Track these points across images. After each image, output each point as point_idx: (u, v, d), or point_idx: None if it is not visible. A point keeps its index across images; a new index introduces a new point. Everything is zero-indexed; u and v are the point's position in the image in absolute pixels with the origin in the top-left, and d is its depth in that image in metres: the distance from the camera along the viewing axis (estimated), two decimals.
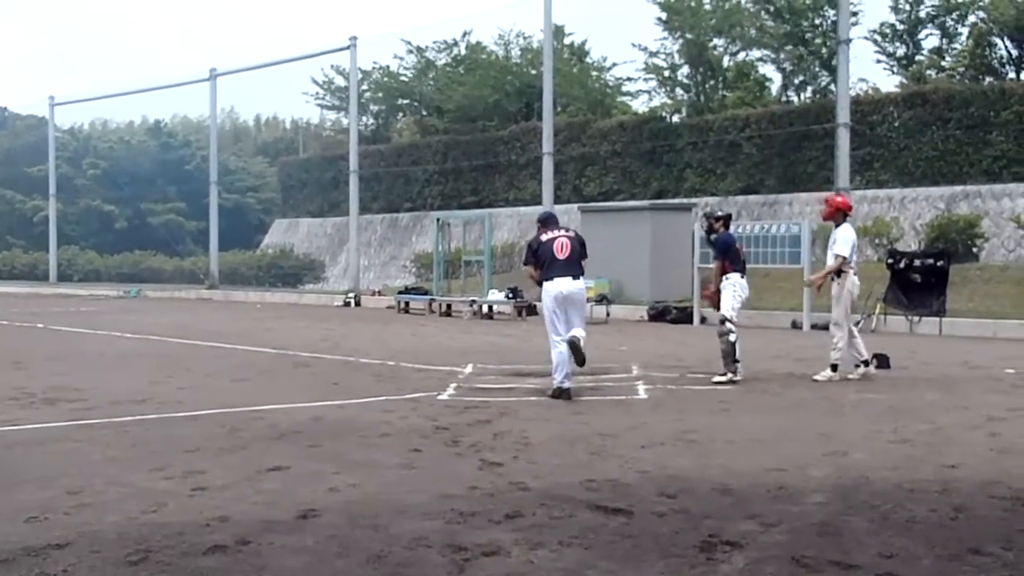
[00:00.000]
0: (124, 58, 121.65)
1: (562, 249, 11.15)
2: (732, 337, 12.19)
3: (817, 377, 12.45)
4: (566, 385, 10.93)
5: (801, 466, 7.39)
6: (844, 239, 12.72)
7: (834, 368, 12.50)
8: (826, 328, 20.23)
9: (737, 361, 12.23)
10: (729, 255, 12.67)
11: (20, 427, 9.03)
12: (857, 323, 14.45)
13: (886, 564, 5.08)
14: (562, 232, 11.44)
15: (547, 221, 11.82)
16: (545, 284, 11.17)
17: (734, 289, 12.52)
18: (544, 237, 11.36)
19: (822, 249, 27.90)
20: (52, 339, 19.31)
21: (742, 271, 12.70)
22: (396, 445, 8.15)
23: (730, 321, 12.27)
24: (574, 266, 11.16)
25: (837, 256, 12.63)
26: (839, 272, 12.68)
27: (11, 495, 6.46)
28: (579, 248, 11.28)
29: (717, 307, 12.72)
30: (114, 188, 61.23)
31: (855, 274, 12.87)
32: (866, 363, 12.74)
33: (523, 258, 11.98)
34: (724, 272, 12.58)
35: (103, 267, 53.18)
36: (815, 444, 8.29)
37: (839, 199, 13.49)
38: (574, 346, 10.90)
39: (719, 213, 13.53)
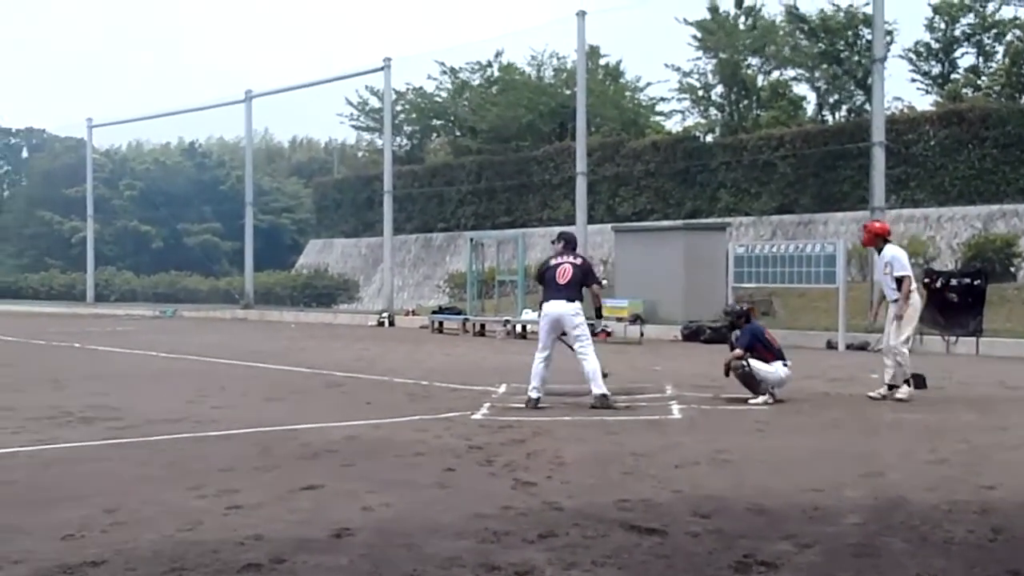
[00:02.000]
0: (160, 80, 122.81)
1: (563, 275, 11.87)
2: (745, 366, 12.16)
3: (899, 395, 12.34)
4: (535, 396, 11.64)
5: (837, 486, 7.33)
6: (901, 261, 12.70)
7: (908, 383, 12.48)
8: (862, 348, 20.21)
9: (762, 382, 12.18)
10: (761, 344, 12.39)
11: (57, 445, 9.09)
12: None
13: None
14: (569, 259, 12.05)
15: (566, 244, 12.40)
16: (543, 304, 12.09)
17: (775, 369, 12.27)
18: (553, 262, 12.08)
19: (858, 269, 27.90)
20: (89, 358, 19.46)
21: (783, 358, 12.40)
22: (430, 464, 8.14)
23: (744, 360, 12.22)
24: (571, 290, 11.87)
25: (906, 278, 12.53)
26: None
27: (48, 513, 6.49)
28: (580, 276, 11.93)
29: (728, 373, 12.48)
30: (150, 209, 61.79)
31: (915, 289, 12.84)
32: (892, 387, 12.63)
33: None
34: (767, 361, 12.34)
35: (139, 287, 53.66)
36: (851, 464, 8.22)
37: (877, 225, 13.40)
38: (603, 403, 11.56)
39: (738, 309, 13.30)
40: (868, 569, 5.29)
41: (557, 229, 40.66)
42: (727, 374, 12.44)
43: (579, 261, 12.07)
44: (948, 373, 15.66)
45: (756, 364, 12.20)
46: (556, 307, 11.79)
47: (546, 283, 11.97)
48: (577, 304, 11.87)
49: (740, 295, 23.01)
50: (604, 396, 11.56)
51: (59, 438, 9.49)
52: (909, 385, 12.53)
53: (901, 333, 12.54)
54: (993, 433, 9.98)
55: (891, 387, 12.57)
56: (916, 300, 12.76)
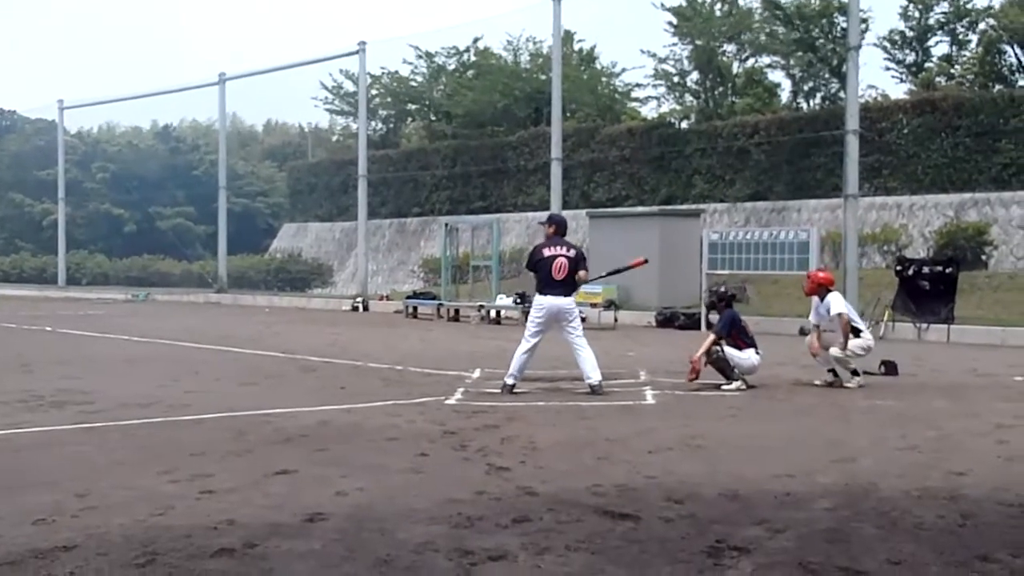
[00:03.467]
0: (132, 62, 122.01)
1: (560, 270, 11.81)
2: (719, 351, 12.27)
3: (849, 384, 12.43)
4: (511, 382, 11.68)
5: (809, 472, 7.37)
6: (838, 301, 12.77)
7: (856, 372, 12.55)
8: None
9: (735, 368, 12.27)
10: (736, 331, 12.54)
11: (28, 430, 9.04)
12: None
13: (894, 571, 5.07)
14: (563, 251, 11.97)
15: (557, 228, 12.35)
16: (538, 297, 11.98)
17: (748, 356, 12.38)
18: (547, 252, 11.97)
19: (831, 256, 28.02)
20: (60, 342, 19.35)
21: (755, 346, 12.52)
22: (403, 449, 8.15)
23: (719, 346, 12.32)
24: (568, 285, 11.89)
25: (841, 315, 12.56)
26: (856, 332, 12.66)
27: (19, 498, 6.46)
28: (575, 269, 11.89)
29: (694, 377, 12.44)
30: (123, 192, 61.38)
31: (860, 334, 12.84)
32: (833, 372, 12.73)
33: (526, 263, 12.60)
34: (740, 348, 12.42)
35: (112, 271, 53.31)
36: (823, 450, 8.28)
37: (821, 275, 13.36)
38: (595, 391, 11.61)
39: (722, 292, 13.30)
40: (839, 554, 5.32)
41: (532, 214, 40.63)
42: (694, 379, 12.42)
43: (572, 253, 11.97)
44: (919, 360, 15.78)
45: (729, 351, 12.29)
46: (555, 302, 11.76)
47: (541, 275, 11.87)
48: (572, 298, 12.00)
49: (714, 281, 23.06)
50: (599, 384, 11.61)
51: (30, 422, 9.44)
52: (858, 375, 12.60)
53: (844, 352, 12.57)
54: (964, 420, 10.05)
55: (834, 373, 12.68)
56: (863, 342, 12.71)
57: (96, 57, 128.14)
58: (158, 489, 6.69)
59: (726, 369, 12.26)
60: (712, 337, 12.56)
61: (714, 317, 13.02)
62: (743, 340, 12.46)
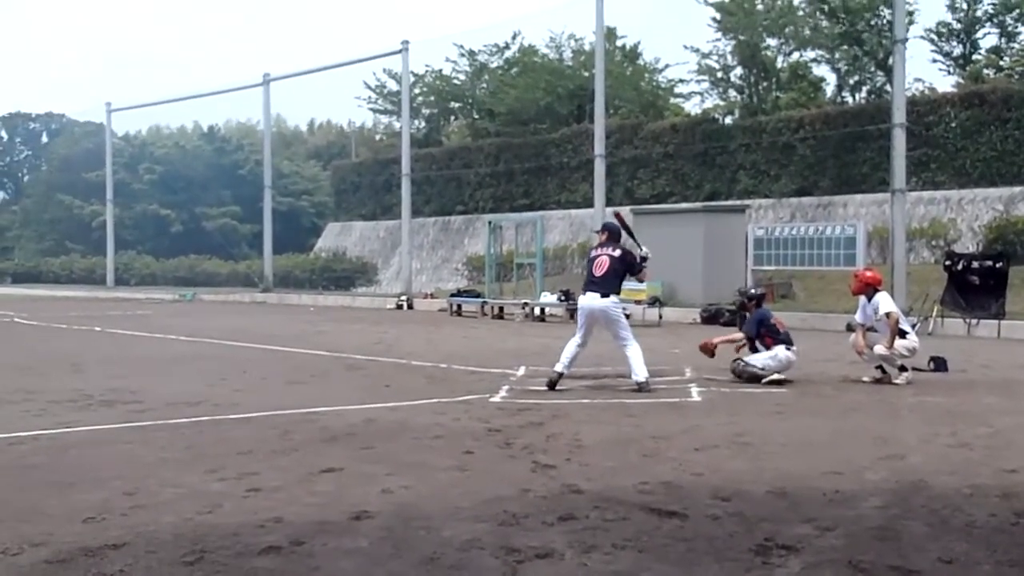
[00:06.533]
0: (178, 65, 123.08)
1: (600, 267, 11.91)
2: (741, 365, 12.39)
3: (897, 381, 12.28)
4: (559, 370, 11.69)
5: (857, 469, 7.30)
6: (886, 301, 12.61)
7: (903, 368, 12.40)
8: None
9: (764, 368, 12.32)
10: (765, 328, 12.51)
11: (77, 429, 9.12)
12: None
13: (945, 569, 5.00)
14: (608, 251, 12.01)
15: (610, 234, 12.38)
16: (580, 297, 12.26)
17: (775, 354, 12.31)
18: (593, 253, 12.15)
19: (878, 251, 27.78)
20: (109, 342, 19.53)
21: (787, 342, 12.46)
22: (449, 447, 8.14)
23: (743, 361, 12.39)
24: (606, 284, 11.86)
25: (890, 315, 12.37)
26: (903, 333, 12.50)
27: (68, 496, 6.52)
28: (617, 267, 11.89)
29: (709, 353, 12.83)
30: (170, 193, 62.06)
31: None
32: (881, 369, 12.58)
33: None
34: (768, 346, 12.37)
35: (159, 271, 53.87)
36: (871, 447, 8.19)
37: (868, 274, 13.11)
38: (641, 388, 11.57)
39: (751, 293, 13.48)
40: (889, 552, 5.26)
41: (575, 211, 40.68)
42: (711, 355, 12.82)
43: (618, 253, 11.95)
44: (969, 356, 15.60)
45: (753, 359, 12.29)
46: (590, 300, 11.86)
47: (586, 274, 12.15)
48: (612, 298, 11.86)
49: (759, 277, 22.92)
50: (646, 382, 11.56)
51: (80, 421, 9.52)
52: (906, 370, 12.43)
53: (889, 351, 12.38)
54: (1015, 416, 9.92)
55: (882, 370, 12.52)
56: (908, 343, 12.51)
57: (143, 60, 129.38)
58: (206, 487, 6.73)
59: (757, 375, 12.21)
60: (741, 337, 12.64)
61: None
62: (771, 337, 12.41)
